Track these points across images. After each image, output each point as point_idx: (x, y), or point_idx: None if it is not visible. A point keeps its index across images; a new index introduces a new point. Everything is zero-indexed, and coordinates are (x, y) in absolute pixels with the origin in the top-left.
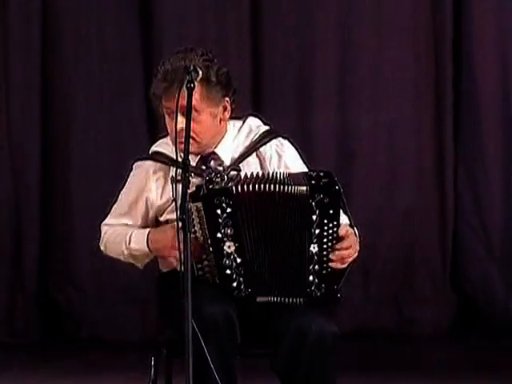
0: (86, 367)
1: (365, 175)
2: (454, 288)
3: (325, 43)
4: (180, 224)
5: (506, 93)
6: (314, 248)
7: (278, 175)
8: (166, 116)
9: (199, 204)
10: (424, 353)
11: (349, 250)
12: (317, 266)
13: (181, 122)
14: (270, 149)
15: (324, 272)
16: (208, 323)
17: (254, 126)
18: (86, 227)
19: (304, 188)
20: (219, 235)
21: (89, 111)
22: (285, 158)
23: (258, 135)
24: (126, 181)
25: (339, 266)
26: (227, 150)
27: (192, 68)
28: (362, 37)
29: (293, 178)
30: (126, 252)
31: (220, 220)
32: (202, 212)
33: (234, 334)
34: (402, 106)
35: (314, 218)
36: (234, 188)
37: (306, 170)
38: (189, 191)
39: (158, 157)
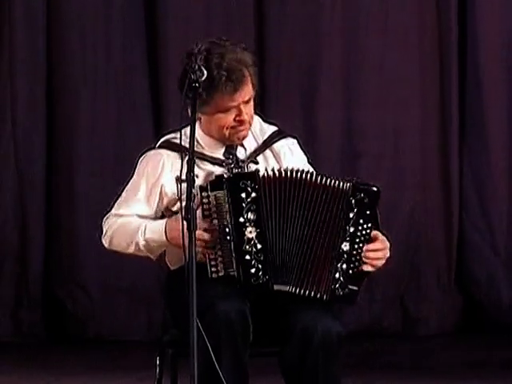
0: (91, 367)
1: (370, 175)
2: (460, 288)
3: (330, 42)
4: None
5: None
6: (345, 246)
7: (306, 169)
8: (219, 114)
9: (219, 193)
10: (430, 353)
11: (382, 251)
12: (345, 265)
13: (245, 112)
14: (282, 146)
15: (351, 272)
16: (222, 320)
17: (264, 124)
18: (92, 227)
19: (348, 184)
20: (242, 220)
21: (94, 109)
22: (296, 156)
23: (269, 133)
24: (134, 172)
25: (368, 268)
26: (249, 140)
27: (197, 68)
28: (368, 36)
29: (327, 174)
30: (141, 243)
31: (244, 204)
32: (223, 198)
33: (247, 332)
34: (407, 106)
35: (352, 215)
36: (259, 173)
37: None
38: (209, 179)
39: (172, 146)
